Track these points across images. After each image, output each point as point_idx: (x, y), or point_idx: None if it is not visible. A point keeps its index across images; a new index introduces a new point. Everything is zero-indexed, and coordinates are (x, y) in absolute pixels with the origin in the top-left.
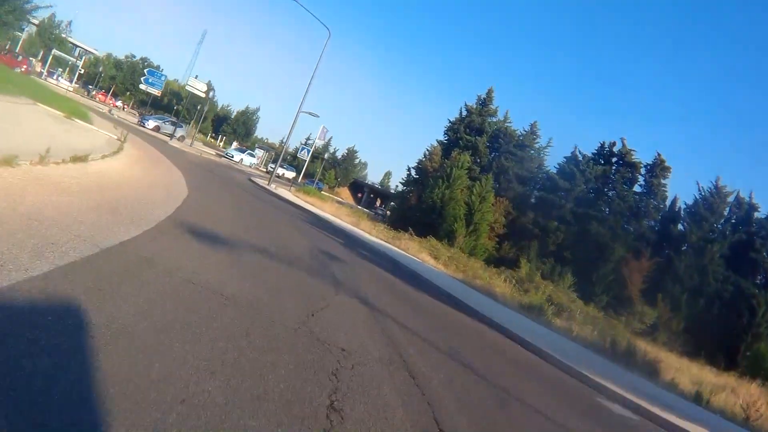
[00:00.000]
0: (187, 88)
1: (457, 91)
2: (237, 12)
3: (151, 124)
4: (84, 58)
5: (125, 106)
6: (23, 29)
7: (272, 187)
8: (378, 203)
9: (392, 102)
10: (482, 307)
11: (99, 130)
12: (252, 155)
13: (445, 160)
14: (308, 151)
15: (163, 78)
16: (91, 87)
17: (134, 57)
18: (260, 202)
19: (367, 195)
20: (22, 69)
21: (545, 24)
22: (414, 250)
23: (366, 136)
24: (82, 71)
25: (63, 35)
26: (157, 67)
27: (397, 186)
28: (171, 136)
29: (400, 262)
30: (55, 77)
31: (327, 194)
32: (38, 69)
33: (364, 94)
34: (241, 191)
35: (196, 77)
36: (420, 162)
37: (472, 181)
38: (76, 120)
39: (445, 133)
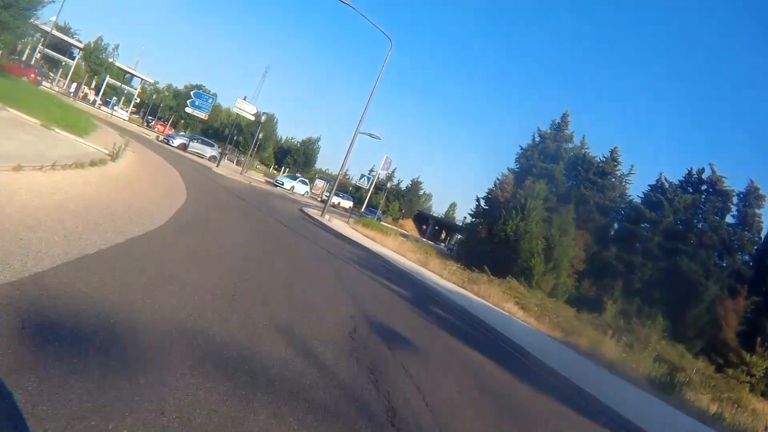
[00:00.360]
0: (234, 110)
1: (527, 116)
2: (298, 45)
3: (176, 141)
4: (139, 87)
5: None
6: (32, 36)
7: (326, 219)
8: (443, 235)
9: (457, 129)
10: (612, 395)
11: (87, 144)
12: (304, 182)
13: (518, 189)
14: (369, 179)
15: (210, 100)
16: (150, 118)
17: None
18: (304, 238)
19: (432, 227)
20: (30, 77)
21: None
22: (496, 298)
23: (430, 166)
24: (138, 100)
25: (110, 59)
26: (207, 91)
27: (465, 218)
28: (217, 160)
29: (491, 325)
30: (110, 106)
31: (389, 226)
32: (91, 97)
33: (427, 120)
34: (282, 223)
35: (245, 98)
36: (490, 192)
37: (548, 213)
38: (59, 131)
39: (516, 161)
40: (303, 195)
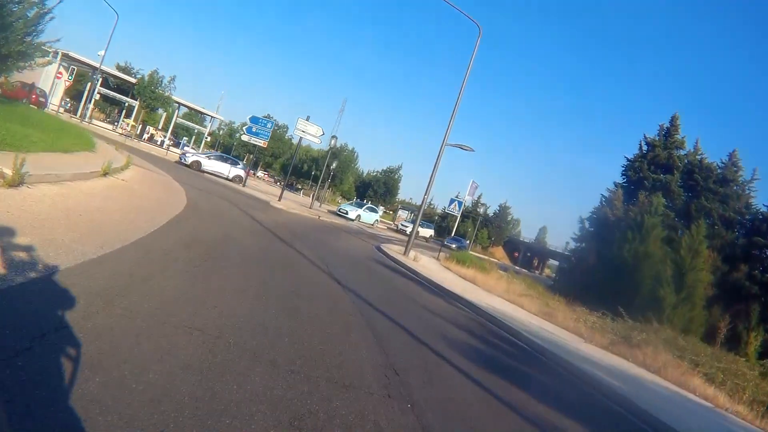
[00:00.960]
0: (296, 132)
1: (626, 124)
2: (373, 74)
3: (189, 159)
4: (213, 126)
5: (266, 176)
6: (33, 60)
7: (411, 257)
8: (535, 262)
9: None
10: None
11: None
12: (372, 210)
13: (630, 206)
14: (459, 204)
15: (270, 125)
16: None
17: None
18: (383, 313)
19: (523, 254)
20: (32, 99)
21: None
22: (676, 374)
23: (514, 187)
24: (208, 139)
25: (167, 93)
26: (268, 116)
27: (567, 243)
28: (242, 180)
29: None
30: (181, 147)
31: (482, 256)
32: (158, 137)
33: (509, 138)
34: (344, 282)
35: (308, 118)
36: (597, 211)
37: (669, 230)
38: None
39: (623, 174)
40: (372, 225)
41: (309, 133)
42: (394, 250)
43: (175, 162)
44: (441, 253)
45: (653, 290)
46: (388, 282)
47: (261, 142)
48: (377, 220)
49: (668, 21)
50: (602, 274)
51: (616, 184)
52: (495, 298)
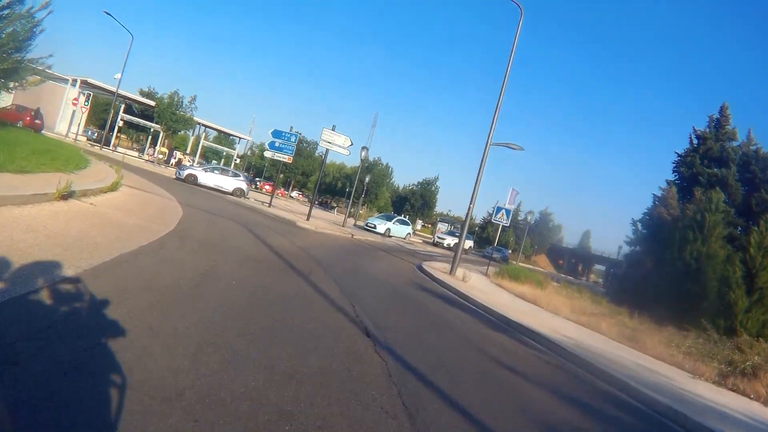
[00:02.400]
0: (321, 144)
1: (669, 118)
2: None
3: (185, 172)
4: (242, 148)
5: (300, 196)
6: (24, 79)
7: (458, 276)
8: (579, 269)
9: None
10: None
11: None
12: (404, 222)
13: (686, 204)
14: (508, 213)
15: (293, 138)
16: (258, 179)
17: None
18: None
19: (568, 261)
20: (26, 121)
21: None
22: None
23: (555, 192)
24: (237, 161)
25: (189, 114)
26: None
27: (620, 247)
28: (244, 193)
29: None
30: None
31: (528, 266)
32: (186, 162)
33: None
34: (379, 322)
35: (334, 128)
36: (650, 211)
37: (731, 228)
38: None
39: (675, 170)
40: (404, 238)
41: (336, 144)
42: (438, 270)
43: (176, 179)
44: (489, 267)
45: (721, 294)
46: (437, 319)
47: (286, 158)
48: (410, 234)
49: (706, 9)
50: (662, 278)
51: (668, 182)
52: (566, 323)
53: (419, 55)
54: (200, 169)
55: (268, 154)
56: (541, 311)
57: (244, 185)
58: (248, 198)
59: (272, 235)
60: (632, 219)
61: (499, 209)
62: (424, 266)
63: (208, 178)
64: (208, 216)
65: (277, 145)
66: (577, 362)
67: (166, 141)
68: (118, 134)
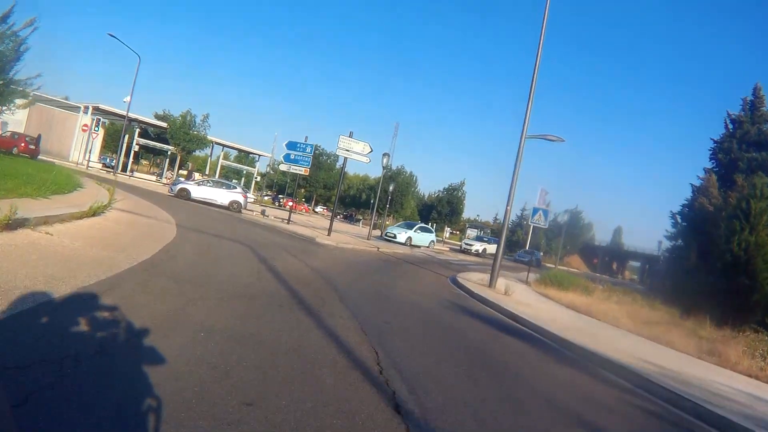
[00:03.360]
0: (338, 152)
1: (700, 104)
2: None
3: (177, 187)
4: (258, 166)
5: (325, 211)
6: (12, 102)
7: (499, 289)
8: (614, 267)
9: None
10: None
11: None
12: (426, 230)
13: (728, 192)
14: (545, 214)
15: (309, 149)
16: (281, 196)
17: (317, 150)
18: None
19: (601, 259)
20: (20, 147)
21: None
22: None
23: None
24: (258, 179)
25: (203, 133)
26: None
27: (660, 242)
28: (240, 206)
29: None
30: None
31: (561, 268)
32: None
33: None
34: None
35: (351, 135)
36: (689, 202)
37: None
38: None
39: (712, 158)
40: (428, 247)
41: (354, 152)
42: (475, 282)
43: (175, 196)
44: (529, 277)
45: None
46: (489, 359)
47: (302, 170)
48: (433, 241)
49: None
50: (709, 273)
51: (706, 170)
52: (635, 341)
53: (436, 58)
54: (193, 183)
55: (283, 167)
56: (600, 325)
57: (240, 198)
58: (244, 211)
59: (282, 256)
60: (671, 212)
61: (535, 210)
62: (459, 279)
63: (201, 191)
64: (206, 239)
65: (292, 157)
66: (679, 404)
67: (189, 164)
68: (137, 159)
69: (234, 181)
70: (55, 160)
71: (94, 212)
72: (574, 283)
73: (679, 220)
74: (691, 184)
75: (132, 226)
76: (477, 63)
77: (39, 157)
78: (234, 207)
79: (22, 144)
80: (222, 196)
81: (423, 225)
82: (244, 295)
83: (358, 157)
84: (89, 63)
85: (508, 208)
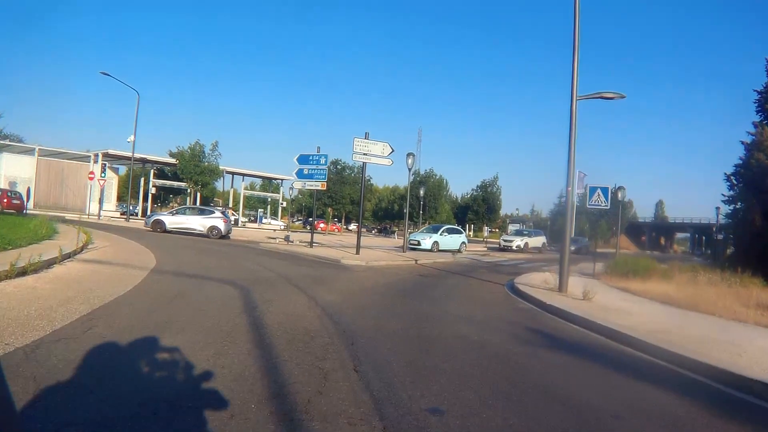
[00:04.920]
0: (355, 158)
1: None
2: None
3: (151, 219)
4: (282, 190)
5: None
6: None
7: (574, 293)
8: (662, 242)
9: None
10: None
11: None
12: (455, 231)
13: None
14: (605, 192)
15: (324, 160)
16: (311, 219)
17: (339, 165)
18: None
19: (649, 236)
20: (2, 203)
21: None
22: None
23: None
24: (284, 204)
25: (214, 163)
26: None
27: (719, 208)
28: (220, 232)
29: None
30: (261, 221)
31: (603, 250)
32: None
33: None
34: None
35: (367, 136)
36: (744, 161)
37: None
38: None
39: (758, 111)
40: (458, 250)
41: (373, 155)
42: (539, 286)
43: (150, 229)
44: (596, 267)
45: None
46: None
47: (319, 185)
48: (464, 243)
49: None
50: None
51: (755, 124)
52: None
53: (457, 57)
54: (167, 213)
55: (297, 184)
56: (728, 325)
57: (219, 223)
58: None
59: (287, 294)
60: (725, 174)
61: (593, 189)
62: (518, 285)
63: (176, 221)
64: (179, 284)
65: (305, 172)
66: None
67: (218, 200)
68: (161, 202)
69: (211, 205)
70: (66, 215)
71: (24, 271)
72: (649, 268)
73: (735, 182)
74: (742, 142)
75: (81, 279)
76: (493, 51)
77: (28, 211)
78: (213, 233)
79: (5, 200)
80: (199, 223)
81: (450, 226)
82: (166, 399)
83: (379, 160)
84: (93, 107)
85: (569, 188)
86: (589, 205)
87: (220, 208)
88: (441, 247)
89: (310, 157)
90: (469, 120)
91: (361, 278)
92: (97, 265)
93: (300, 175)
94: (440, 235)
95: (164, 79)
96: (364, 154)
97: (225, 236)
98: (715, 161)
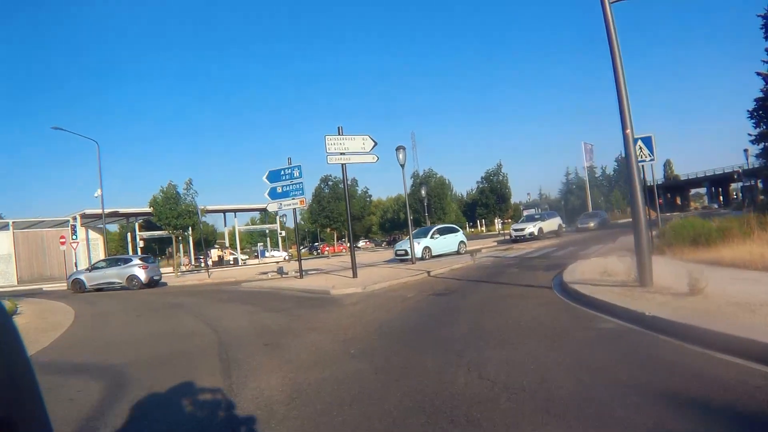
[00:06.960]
0: (331, 160)
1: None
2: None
3: (70, 281)
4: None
5: (367, 243)
6: None
7: (663, 284)
8: (678, 201)
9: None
10: None
11: None
12: (451, 230)
13: None
14: (647, 142)
15: (296, 171)
16: (316, 244)
17: (330, 182)
18: None
19: (665, 197)
20: None
21: None
22: None
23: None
24: (283, 233)
25: (191, 202)
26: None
27: (746, 150)
28: (140, 281)
29: None
30: (262, 255)
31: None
32: (228, 256)
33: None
34: None
35: (340, 131)
36: (765, 93)
37: None
38: None
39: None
40: (458, 252)
41: (352, 153)
42: (604, 282)
43: (71, 291)
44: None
45: None
46: None
47: (298, 202)
48: (463, 243)
49: None
50: None
51: (759, 74)
52: None
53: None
54: (83, 272)
55: (272, 206)
56: None
57: (137, 271)
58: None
59: (185, 391)
60: (747, 111)
61: (635, 141)
62: (574, 287)
63: (94, 277)
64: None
65: (279, 190)
66: None
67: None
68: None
69: (133, 254)
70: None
71: None
72: (713, 229)
73: (762, 116)
74: (758, 73)
75: None
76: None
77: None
78: (133, 284)
79: None
80: (117, 275)
81: (442, 226)
82: None
83: (360, 158)
84: (57, 169)
85: (627, 132)
86: (638, 162)
87: (143, 255)
88: (435, 252)
89: (282, 172)
90: (463, 117)
91: (348, 320)
92: None
93: (273, 194)
94: (431, 238)
95: (126, 125)
96: (341, 153)
97: (151, 285)
98: (722, 108)
